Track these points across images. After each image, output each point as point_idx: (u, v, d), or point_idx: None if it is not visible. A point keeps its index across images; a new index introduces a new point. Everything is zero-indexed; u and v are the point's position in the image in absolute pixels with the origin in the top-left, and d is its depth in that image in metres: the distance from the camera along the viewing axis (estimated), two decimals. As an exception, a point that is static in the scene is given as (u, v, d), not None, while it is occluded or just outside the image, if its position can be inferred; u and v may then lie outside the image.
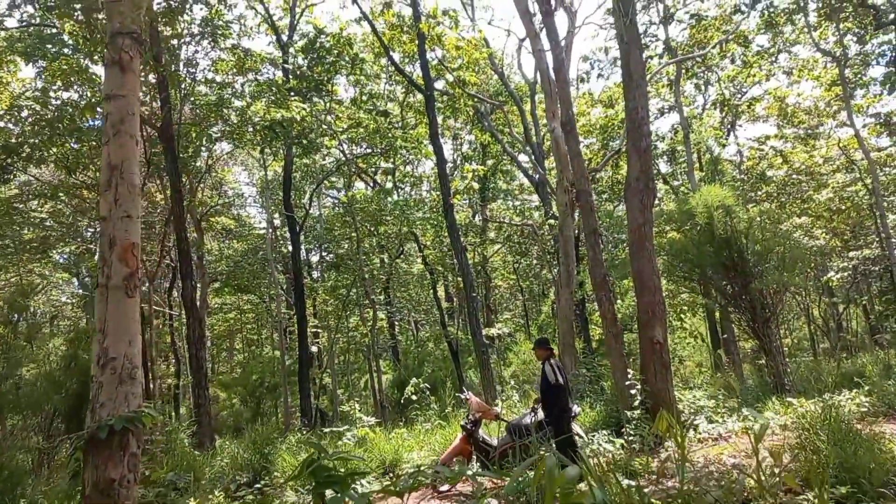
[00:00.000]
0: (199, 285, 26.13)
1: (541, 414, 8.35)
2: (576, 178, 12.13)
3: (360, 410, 13.57)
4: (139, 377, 4.85)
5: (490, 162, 27.80)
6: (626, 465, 7.73)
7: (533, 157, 24.06)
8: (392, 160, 25.15)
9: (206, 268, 26.83)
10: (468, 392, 8.90)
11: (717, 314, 24.65)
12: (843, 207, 22.43)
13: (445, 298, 33.36)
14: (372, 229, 23.91)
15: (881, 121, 25.14)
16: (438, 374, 24.50)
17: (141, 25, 4.86)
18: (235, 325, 36.21)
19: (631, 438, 9.89)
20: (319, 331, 29.32)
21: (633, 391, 10.84)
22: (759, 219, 14.83)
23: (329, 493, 3.08)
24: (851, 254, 21.08)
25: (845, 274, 21.02)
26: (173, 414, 27.50)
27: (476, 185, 24.86)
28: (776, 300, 15.50)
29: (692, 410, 11.42)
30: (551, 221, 22.07)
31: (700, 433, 9.96)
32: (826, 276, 20.23)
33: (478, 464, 8.60)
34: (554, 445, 7.28)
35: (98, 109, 11.48)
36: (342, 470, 2.81)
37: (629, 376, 11.11)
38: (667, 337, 11.48)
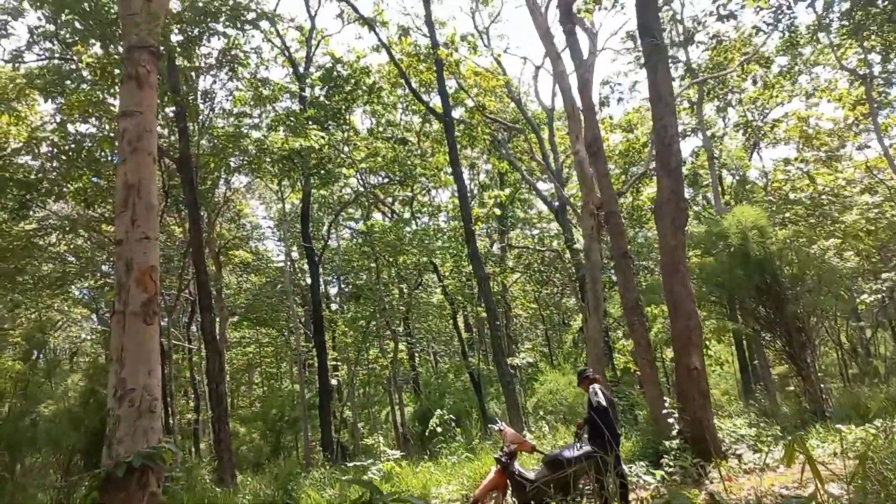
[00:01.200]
0: (217, 319, 25.95)
1: (584, 446, 7.91)
2: (604, 200, 11.80)
3: (383, 444, 13.12)
4: (159, 410, 4.53)
5: (507, 190, 27.52)
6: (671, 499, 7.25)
7: (555, 184, 23.76)
8: (410, 188, 24.92)
9: (224, 301, 26.63)
10: (502, 423, 8.47)
11: (745, 340, 24.04)
12: (872, 228, 21.83)
13: (465, 329, 32.84)
14: (391, 259, 23.61)
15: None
16: (461, 405, 23.96)
17: (158, 39, 4.63)
18: (254, 359, 35.90)
19: (671, 470, 9.40)
20: (339, 363, 28.91)
21: (670, 420, 10.37)
22: (792, 240, 14.40)
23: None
24: (885, 275, 20.42)
25: (879, 296, 20.36)
26: (192, 450, 27.14)
27: (497, 211, 24.55)
28: (812, 323, 15.02)
29: (733, 440, 10.92)
30: (577, 245, 21.69)
31: (744, 463, 9.45)
32: (859, 298, 19.60)
33: (514, 499, 8.15)
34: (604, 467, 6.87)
35: (116, 143, 11.31)
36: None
37: (665, 405, 10.65)
38: (704, 363, 11.03)
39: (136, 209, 4.71)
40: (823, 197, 19.78)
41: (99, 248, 19.94)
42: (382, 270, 23.12)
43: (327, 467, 13.31)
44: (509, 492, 7.98)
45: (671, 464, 9.59)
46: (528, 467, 8.31)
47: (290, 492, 10.82)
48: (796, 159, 26.68)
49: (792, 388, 24.84)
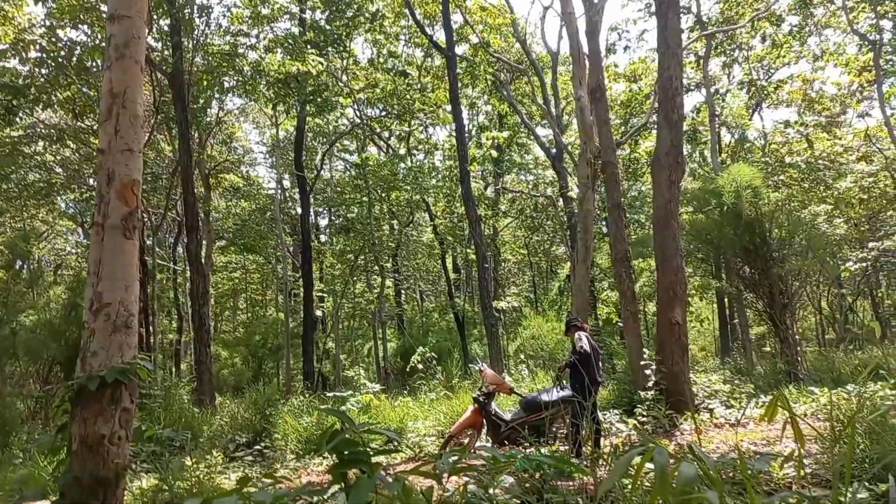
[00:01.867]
0: (204, 242, 25.84)
1: (562, 391, 7.97)
2: (602, 148, 11.63)
3: (364, 377, 13.22)
4: (135, 326, 4.45)
5: (506, 133, 27.15)
6: (643, 447, 7.36)
7: (554, 130, 23.44)
8: (408, 124, 24.52)
9: (212, 225, 26.49)
10: (483, 363, 8.53)
11: (727, 299, 24.24)
12: (864, 197, 21.83)
13: (453, 270, 32.91)
14: (383, 195, 23.42)
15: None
16: (444, 344, 24.20)
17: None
18: (240, 285, 35.97)
19: (643, 419, 9.54)
20: (325, 295, 28.99)
21: (647, 371, 10.47)
22: (784, 203, 14.33)
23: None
24: (871, 244, 20.50)
25: (864, 264, 20.48)
26: (173, 370, 27.38)
27: (494, 153, 24.28)
28: (795, 287, 15.09)
29: (706, 394, 11.06)
30: (572, 194, 21.56)
31: (717, 417, 9.59)
32: (844, 266, 19.70)
33: (488, 437, 8.25)
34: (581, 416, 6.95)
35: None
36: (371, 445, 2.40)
37: (645, 356, 10.73)
38: (686, 318, 11.08)
39: (119, 119, 4.53)
40: (820, 162, 19.65)
41: (86, 161, 19.63)
42: (374, 205, 22.93)
43: (307, 396, 13.41)
44: (484, 430, 8.08)
45: (644, 413, 9.72)
46: (505, 408, 8.40)
47: (268, 417, 10.91)
48: (797, 123, 26.44)
49: (768, 349, 25.24)
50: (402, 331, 30.43)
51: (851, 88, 26.76)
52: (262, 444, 9.65)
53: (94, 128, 16.50)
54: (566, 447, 7.85)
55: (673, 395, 10.21)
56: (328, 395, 13.02)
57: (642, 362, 10.62)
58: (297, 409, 12.06)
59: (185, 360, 28.78)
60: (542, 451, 7.07)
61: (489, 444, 8.47)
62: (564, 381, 8.18)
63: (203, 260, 23.20)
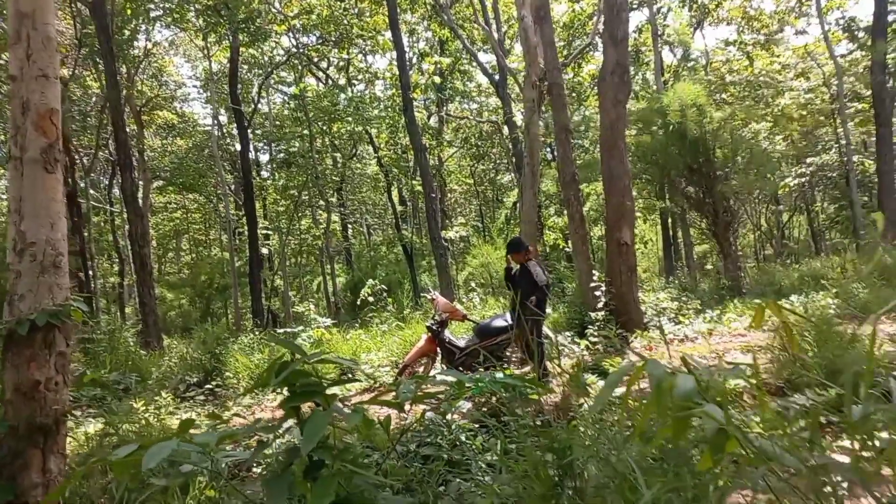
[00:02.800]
0: (140, 182, 24.88)
1: (507, 318, 7.97)
2: (548, 70, 11.40)
3: (314, 312, 13.06)
4: (65, 266, 4.17)
5: (448, 59, 26.53)
6: (596, 366, 7.45)
7: (497, 54, 22.95)
8: (346, 51, 23.69)
9: (147, 164, 25.47)
10: (434, 292, 8.45)
11: (670, 219, 24.71)
12: (803, 113, 22.21)
13: (399, 202, 32.61)
14: (325, 127, 22.79)
15: (843, 26, 24.67)
16: (393, 276, 24.15)
17: None
18: (182, 226, 35.01)
19: (595, 340, 9.68)
20: (270, 233, 28.45)
21: (597, 293, 10.58)
22: (727, 121, 14.43)
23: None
24: (809, 160, 21.02)
25: (802, 180, 21.04)
26: (118, 314, 26.75)
27: (437, 79, 23.74)
28: (738, 204, 15.38)
29: (655, 312, 11.29)
30: (517, 119, 21.32)
31: (667, 334, 9.79)
32: (783, 182, 20.20)
33: (443, 365, 8.24)
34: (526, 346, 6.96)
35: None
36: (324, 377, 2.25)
37: (594, 278, 10.83)
38: (633, 239, 11.18)
39: (31, 42, 4.12)
40: (760, 80, 19.82)
41: None
42: (316, 138, 22.31)
43: (257, 333, 13.23)
44: (438, 358, 8.06)
45: (595, 334, 9.86)
46: (458, 335, 8.37)
47: (217, 356, 10.70)
48: (736, 41, 26.55)
49: (710, 266, 25.98)
50: (350, 265, 30.23)
51: (789, 4, 26.92)
52: (214, 384, 9.45)
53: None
54: (523, 370, 7.91)
55: (623, 315, 10.38)
56: (279, 331, 12.87)
57: (592, 284, 10.72)
58: (248, 346, 11.88)
59: (129, 304, 28.13)
60: (499, 375, 7.10)
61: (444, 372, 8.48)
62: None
63: (140, 200, 22.42)
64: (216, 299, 29.91)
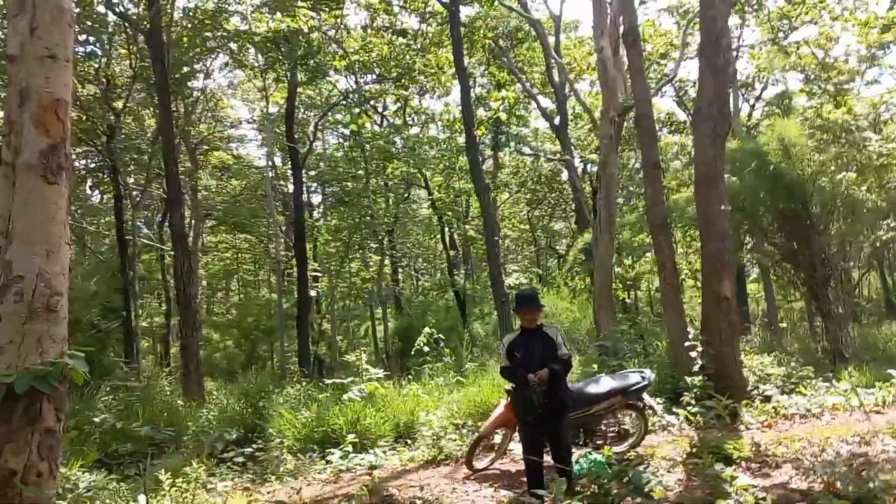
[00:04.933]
0: (193, 220, 24.43)
1: (613, 380, 6.70)
2: (637, 100, 10.25)
3: (365, 361, 11.91)
4: (63, 310, 3.10)
5: (514, 95, 25.68)
6: (716, 448, 6.08)
7: (559, 95, 22.02)
8: (405, 88, 22.95)
9: (199, 202, 25.07)
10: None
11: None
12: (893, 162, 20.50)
13: (451, 247, 31.55)
14: (381, 165, 22.01)
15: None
16: (444, 324, 22.93)
17: None
18: (231, 265, 34.53)
19: (695, 411, 8.27)
20: (319, 274, 27.64)
21: (693, 353, 9.19)
22: (828, 165, 13.04)
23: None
24: (903, 213, 19.26)
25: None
26: (162, 355, 26.11)
27: (504, 116, 22.82)
28: (838, 257, 13.85)
29: (757, 378, 9.81)
30: (579, 163, 20.11)
31: (783, 407, 8.33)
32: (874, 235, 18.45)
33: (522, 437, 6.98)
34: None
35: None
36: None
37: (689, 336, 9.45)
38: (735, 292, 9.81)
39: (36, 12, 3.15)
40: (853, 124, 18.32)
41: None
42: (371, 176, 21.53)
43: (303, 384, 12.12)
44: (517, 429, 6.80)
45: (693, 403, 8.46)
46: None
47: (260, 410, 9.60)
48: (802, 91, 25.20)
49: (795, 325, 24.11)
50: (400, 310, 29.15)
51: (864, 54, 25.52)
52: (255, 447, 8.33)
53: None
54: (621, 448, 6.59)
55: (723, 380, 8.94)
56: (327, 382, 11.75)
57: (686, 343, 9.34)
58: (294, 399, 10.77)
59: (174, 345, 27.49)
60: (593, 455, 5.80)
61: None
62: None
63: (192, 239, 21.88)
64: (262, 342, 29.09)
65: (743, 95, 25.80)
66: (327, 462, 7.31)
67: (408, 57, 19.82)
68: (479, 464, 6.68)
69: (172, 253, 22.69)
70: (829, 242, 13.04)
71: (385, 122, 27.98)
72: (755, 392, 9.21)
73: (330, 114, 26.65)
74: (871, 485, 4.65)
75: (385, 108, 28.38)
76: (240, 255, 34.69)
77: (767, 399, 8.91)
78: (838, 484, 4.85)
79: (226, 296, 40.11)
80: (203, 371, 16.25)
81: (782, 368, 9.83)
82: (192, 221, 24.37)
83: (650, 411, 7.09)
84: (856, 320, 19.89)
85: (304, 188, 28.10)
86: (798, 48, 23.30)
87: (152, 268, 26.96)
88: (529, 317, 5.39)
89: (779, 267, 14.89)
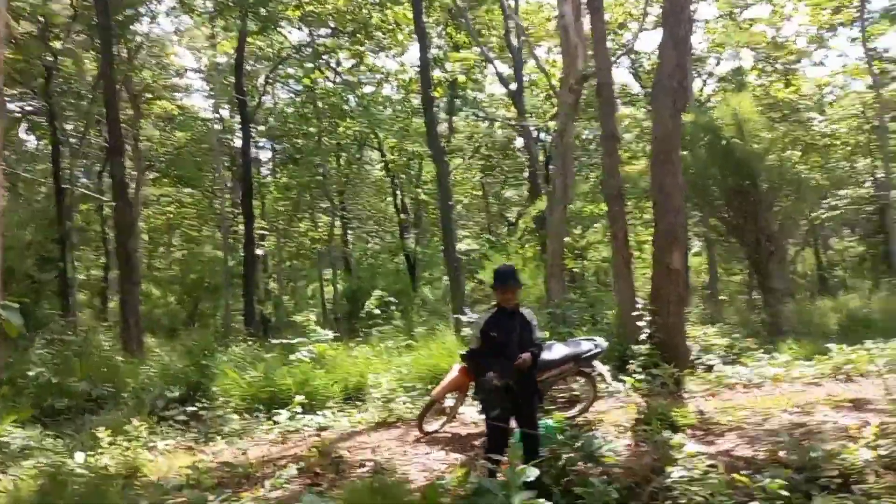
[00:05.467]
0: (135, 172, 23.54)
1: (565, 347, 6.71)
2: (599, 69, 10.17)
3: (314, 322, 11.73)
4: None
5: (474, 57, 25.33)
6: (663, 415, 6.16)
7: (517, 60, 21.79)
8: (361, 44, 22.37)
9: (142, 152, 24.17)
10: (471, 313, 7.16)
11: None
12: (837, 143, 21.12)
13: (402, 210, 31.26)
14: (334, 123, 21.56)
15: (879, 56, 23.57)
16: (394, 287, 22.81)
17: None
18: (175, 220, 33.54)
19: (641, 378, 8.40)
20: (266, 233, 27.11)
21: (641, 323, 9.32)
22: (778, 142, 13.27)
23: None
24: (842, 192, 19.90)
25: (835, 213, 19.92)
26: (100, 309, 25.41)
27: (462, 78, 22.55)
28: (782, 233, 14.19)
29: (701, 348, 10.02)
30: (553, 125, 19.97)
31: (726, 377, 8.52)
32: (815, 213, 19.02)
33: (475, 401, 6.96)
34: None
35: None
36: None
37: (638, 306, 9.57)
38: (685, 264, 9.95)
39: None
40: (800, 103, 18.76)
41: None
42: (323, 135, 21.08)
43: (249, 343, 11.91)
44: (471, 392, 6.78)
45: (639, 370, 8.60)
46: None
47: (204, 369, 9.37)
48: (753, 69, 25.57)
49: (734, 297, 24.79)
50: (349, 272, 28.89)
51: (813, 34, 25.99)
52: (199, 405, 8.11)
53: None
54: (571, 413, 6.64)
55: (668, 349, 9.09)
56: (274, 342, 11.59)
57: (635, 313, 9.46)
58: (239, 358, 10.56)
59: (112, 300, 26.73)
60: (544, 420, 5.81)
61: (475, 409, 7.19)
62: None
63: (133, 191, 21.10)
64: (205, 299, 28.48)
65: (696, 70, 26.01)
66: (274, 422, 7.18)
67: (364, 11, 19.29)
68: (430, 427, 6.65)
69: (112, 204, 22.03)
70: (774, 219, 13.32)
71: (339, 79, 27.36)
72: (698, 362, 9.40)
73: (281, 67, 25.87)
74: (812, 454, 4.78)
75: (339, 64, 27.68)
76: (183, 209, 33.72)
77: (710, 369, 9.11)
78: (782, 453, 4.97)
79: (167, 251, 39.07)
80: (143, 327, 15.81)
81: (725, 339, 10.07)
82: (134, 173, 23.49)
83: (600, 378, 7.15)
84: (791, 296, 20.58)
85: (253, 143, 27.39)
86: (751, 25, 23.52)
87: (91, 219, 26.01)
88: (508, 296, 4.91)
89: (724, 241, 15.17)
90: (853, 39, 22.03)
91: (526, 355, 4.74)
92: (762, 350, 9.91)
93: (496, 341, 4.82)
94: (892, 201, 18.23)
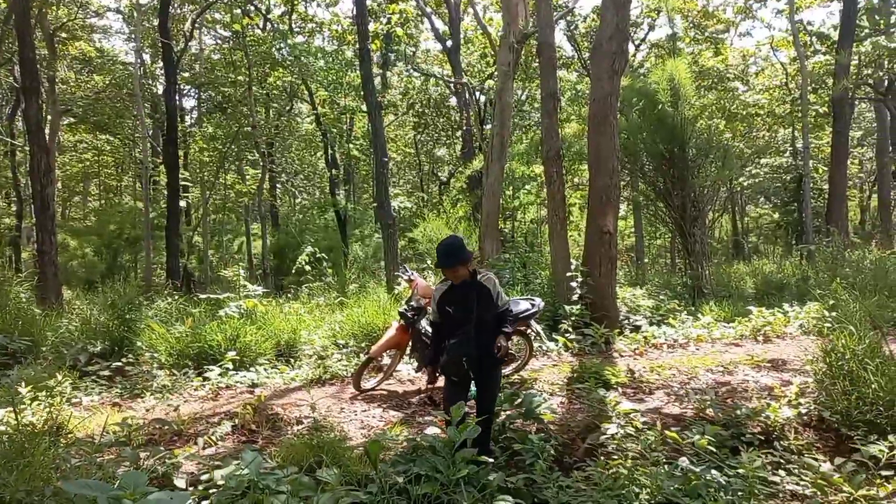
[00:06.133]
0: (49, 115, 22.24)
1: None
2: (540, 27, 10.13)
3: (244, 277, 11.46)
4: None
5: (412, 9, 24.86)
6: (595, 374, 6.31)
7: (453, 16, 21.51)
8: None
9: (58, 96, 22.83)
10: (412, 271, 7.11)
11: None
12: (761, 113, 21.82)
13: (333, 166, 30.72)
14: (265, 72, 20.83)
15: (810, 31, 24.33)
16: (324, 244, 22.53)
17: None
18: (91, 168, 32.03)
19: (571, 337, 8.60)
20: (190, 185, 26.15)
21: (573, 284, 9.51)
22: (708, 109, 13.58)
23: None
24: (764, 160, 20.66)
25: (755, 181, 20.68)
26: (12, 259, 24.18)
27: (399, 31, 22.10)
28: (707, 199, 14.64)
29: (628, 309, 10.32)
30: (492, 83, 19.87)
31: (653, 337, 8.79)
32: (737, 180, 19.70)
33: (412, 359, 6.96)
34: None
35: None
36: None
37: (571, 267, 9.75)
38: (617, 227, 10.15)
39: None
40: (730, 72, 19.24)
41: None
42: (252, 84, 20.36)
43: (175, 297, 11.54)
44: (408, 350, 6.78)
45: (570, 330, 8.79)
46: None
47: (129, 322, 9.03)
48: (683, 37, 26.05)
49: (655, 260, 25.58)
50: (276, 227, 28.34)
51: (741, 5, 26.60)
52: (124, 360, 7.81)
53: None
54: (507, 371, 6.72)
55: (599, 310, 9.37)
56: (201, 296, 11.27)
57: (568, 274, 9.64)
58: (165, 313, 10.24)
59: (26, 249, 25.46)
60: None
61: (412, 366, 7.21)
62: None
63: (48, 136, 19.92)
64: (125, 251, 27.44)
65: (630, 36, 26.29)
66: (205, 379, 6.99)
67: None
68: (367, 384, 6.62)
69: (24, 149, 20.82)
70: (701, 185, 13.71)
71: (269, 27, 26.40)
72: (626, 322, 9.69)
73: (208, 12, 24.75)
74: (738, 412, 5.00)
75: (269, 10, 26.69)
76: (101, 157, 32.20)
77: (637, 329, 9.41)
78: (709, 411, 5.17)
79: (84, 200, 37.37)
80: (60, 279, 15.11)
81: (651, 301, 10.37)
82: (49, 117, 22.21)
83: (536, 337, 7.26)
84: (709, 260, 21.38)
85: (177, 90, 26.25)
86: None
87: (1, 164, 24.55)
88: (453, 275, 4.50)
89: (652, 205, 15.55)
90: (779, 12, 22.63)
91: (503, 346, 4.41)
92: (685, 312, 10.27)
93: (453, 316, 4.51)
94: (809, 171, 19.07)
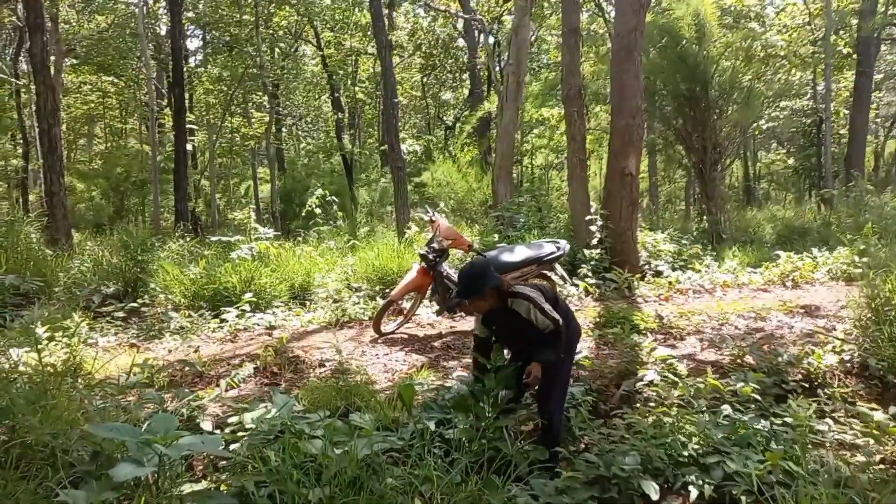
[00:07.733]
0: (53, 55, 21.73)
1: (527, 249, 6.56)
2: (563, -43, 9.66)
3: (254, 220, 11.28)
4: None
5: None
6: (623, 319, 6.14)
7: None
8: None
9: (61, 36, 22.28)
10: (434, 212, 6.87)
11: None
12: (781, 54, 21.13)
13: (338, 109, 30.16)
14: (271, 11, 20.25)
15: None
16: (330, 188, 22.28)
17: None
18: (97, 110, 31.54)
19: (592, 282, 8.43)
20: (196, 128, 25.75)
21: (592, 227, 9.29)
22: (732, 48, 13.12)
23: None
24: (784, 103, 20.16)
25: (774, 124, 20.22)
26: (20, 202, 24.05)
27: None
28: (728, 142, 14.28)
29: (650, 254, 10.10)
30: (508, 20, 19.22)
31: (678, 282, 8.61)
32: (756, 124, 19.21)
33: (433, 302, 6.80)
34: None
35: None
36: None
37: (591, 210, 9.52)
38: (639, 168, 9.88)
39: None
40: (752, 11, 18.53)
41: None
42: (259, 24, 19.81)
43: (187, 239, 11.39)
44: (429, 293, 6.62)
45: (590, 275, 8.62)
46: (453, 267, 6.83)
47: (142, 264, 8.89)
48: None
49: (671, 203, 25.25)
50: (283, 171, 28.04)
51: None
52: (140, 301, 7.69)
53: None
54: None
55: (619, 254, 9.17)
56: (213, 239, 11.09)
57: (588, 217, 9.41)
58: (177, 254, 10.10)
59: (33, 191, 25.28)
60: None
61: (432, 309, 7.07)
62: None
63: (52, 71, 19.46)
64: (132, 195, 27.24)
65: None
66: (222, 321, 6.87)
67: None
68: (386, 328, 6.49)
69: (30, 88, 20.41)
70: (722, 127, 13.35)
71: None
72: (647, 267, 9.49)
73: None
74: (779, 359, 4.82)
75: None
76: (106, 98, 31.69)
77: (658, 274, 9.22)
78: (748, 357, 5.00)
79: (89, 143, 36.95)
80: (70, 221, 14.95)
81: (672, 245, 10.16)
82: (52, 57, 21.70)
83: (560, 281, 7.08)
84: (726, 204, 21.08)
85: (182, 30, 25.64)
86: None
87: (5, 105, 24.13)
88: (477, 307, 3.95)
89: (671, 148, 15.19)
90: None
91: (533, 377, 3.79)
92: (709, 257, 10.07)
93: (500, 333, 4.00)
94: (831, 114, 18.59)
